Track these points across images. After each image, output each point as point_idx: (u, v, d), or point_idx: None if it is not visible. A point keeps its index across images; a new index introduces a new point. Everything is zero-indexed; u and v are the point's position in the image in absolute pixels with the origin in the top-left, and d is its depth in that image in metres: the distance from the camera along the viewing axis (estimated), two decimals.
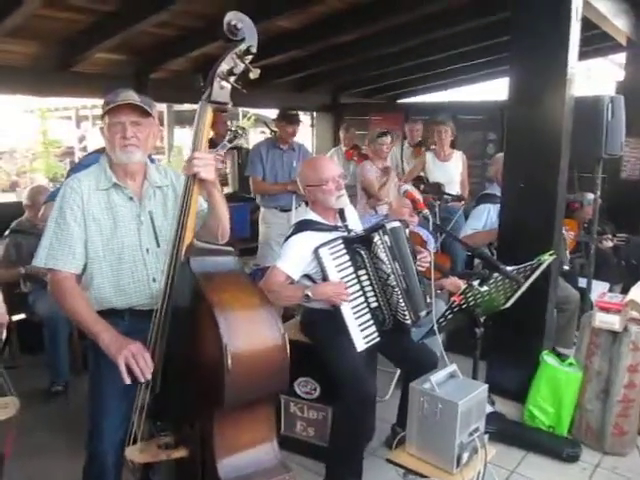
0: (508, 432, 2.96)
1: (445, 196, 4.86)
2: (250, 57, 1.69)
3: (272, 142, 4.55)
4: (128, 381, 1.73)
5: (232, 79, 1.70)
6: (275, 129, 4.63)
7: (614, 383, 2.89)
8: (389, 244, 2.50)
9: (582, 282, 4.09)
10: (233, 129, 4.14)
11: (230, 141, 3.95)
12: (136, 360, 1.73)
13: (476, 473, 2.13)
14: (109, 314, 1.94)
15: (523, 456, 2.90)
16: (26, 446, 2.80)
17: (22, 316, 3.95)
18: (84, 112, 14.43)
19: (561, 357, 3.19)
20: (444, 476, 2.03)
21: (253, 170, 4.46)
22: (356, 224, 2.78)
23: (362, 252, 2.53)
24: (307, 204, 2.80)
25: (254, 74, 1.70)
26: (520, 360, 3.27)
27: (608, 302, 2.92)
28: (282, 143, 4.47)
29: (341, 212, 2.71)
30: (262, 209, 4.59)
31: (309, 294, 2.45)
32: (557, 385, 3.03)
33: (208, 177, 1.76)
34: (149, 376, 1.73)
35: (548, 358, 3.13)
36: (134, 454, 1.76)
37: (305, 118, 7.90)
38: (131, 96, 1.90)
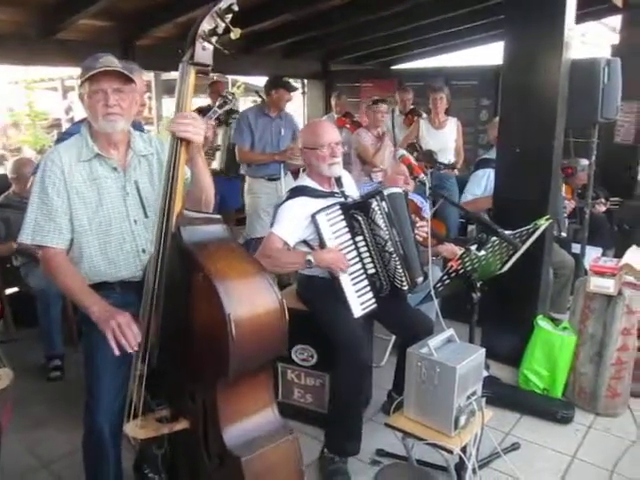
0: (503, 395, 3.00)
1: (438, 164, 4.84)
2: (231, 15, 1.62)
3: (261, 109, 4.44)
4: (117, 352, 1.72)
5: (214, 39, 1.63)
6: (263, 96, 4.55)
7: (608, 346, 2.93)
8: (387, 210, 2.48)
9: (576, 248, 4.11)
10: (222, 94, 4.07)
11: (220, 107, 3.87)
12: (122, 331, 1.71)
13: (473, 435, 2.17)
14: (101, 287, 1.93)
15: (518, 418, 2.95)
16: (24, 418, 2.81)
17: (15, 289, 3.93)
18: (70, 82, 14.09)
19: (555, 322, 3.22)
20: (442, 439, 2.06)
21: (240, 139, 4.36)
22: (353, 191, 2.76)
23: (359, 218, 2.51)
24: (293, 174, 2.72)
25: (235, 34, 1.62)
26: (514, 325, 3.30)
27: (603, 266, 2.93)
28: (273, 110, 4.39)
29: (338, 178, 2.68)
30: (248, 179, 4.51)
31: (311, 259, 2.43)
32: (551, 349, 3.06)
33: (194, 139, 1.69)
34: (136, 347, 1.72)
35: (542, 322, 3.16)
36: (135, 430, 1.75)
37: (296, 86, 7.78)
38: (111, 62, 1.84)
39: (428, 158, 4.81)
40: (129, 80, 1.86)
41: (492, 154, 3.78)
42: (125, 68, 1.87)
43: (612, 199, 4.61)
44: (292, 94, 4.50)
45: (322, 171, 2.59)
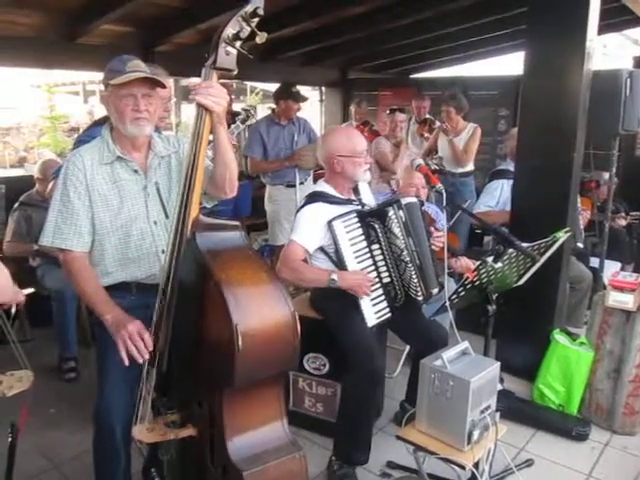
0: (517, 410, 2.95)
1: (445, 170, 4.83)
2: (257, 20, 1.59)
3: (271, 119, 4.46)
4: (126, 362, 1.72)
5: (238, 44, 1.61)
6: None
7: (626, 363, 2.87)
8: (404, 219, 2.46)
9: (594, 262, 4.05)
10: (245, 109, 4.09)
11: (243, 121, 3.90)
12: (133, 341, 1.72)
13: (486, 450, 2.13)
14: (118, 288, 1.94)
15: (532, 434, 2.89)
16: (36, 419, 2.80)
17: (31, 290, 3.95)
18: (91, 87, 14.34)
19: (572, 336, 3.17)
20: (454, 453, 2.02)
21: (250, 150, 4.39)
22: (369, 199, 2.74)
23: (376, 226, 2.50)
24: (314, 179, 2.72)
25: (261, 38, 1.60)
26: (530, 338, 3.26)
27: (622, 281, 2.88)
28: (283, 119, 4.40)
29: (355, 186, 2.67)
30: (268, 187, 4.53)
31: (335, 278, 2.43)
32: (568, 364, 3.01)
33: (214, 108, 1.67)
34: (146, 357, 1.72)
35: (559, 337, 3.11)
36: (142, 433, 1.74)
37: (314, 93, 7.79)
38: (139, 66, 1.86)
39: (437, 162, 4.79)
40: (156, 85, 1.88)
41: (507, 165, 3.74)
42: (152, 73, 1.88)
43: (633, 213, 4.54)
44: (301, 104, 4.49)
45: (357, 177, 2.59)
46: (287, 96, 4.36)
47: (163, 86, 1.90)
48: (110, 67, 1.86)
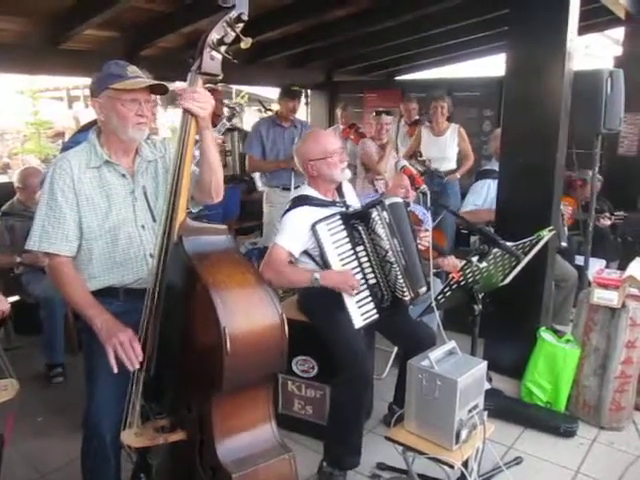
0: (505, 408, 2.97)
1: (433, 172, 4.86)
2: (241, 25, 1.61)
3: (273, 120, 4.50)
4: (116, 370, 1.72)
5: (223, 49, 1.63)
6: (269, 107, 4.59)
7: (612, 359, 2.90)
8: (387, 220, 2.47)
9: (579, 260, 4.09)
10: (231, 106, 4.08)
11: (229, 119, 3.88)
12: (124, 349, 1.71)
13: (475, 449, 2.14)
14: (105, 293, 1.93)
15: (520, 432, 2.92)
16: (23, 428, 2.78)
17: (16, 298, 3.92)
18: (75, 92, 14.21)
19: (558, 334, 3.20)
20: (443, 453, 2.03)
21: (250, 149, 4.43)
22: (354, 200, 2.75)
23: (360, 228, 2.51)
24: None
25: (245, 43, 1.62)
26: (517, 337, 3.28)
27: (606, 278, 2.91)
28: (283, 120, 4.42)
29: (339, 188, 2.68)
30: (266, 189, 4.56)
31: (317, 277, 2.43)
32: (554, 361, 3.03)
33: (199, 113, 1.70)
34: (137, 365, 1.72)
35: (545, 335, 3.13)
36: (130, 438, 1.73)
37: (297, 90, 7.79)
38: (138, 72, 1.88)
39: (421, 165, 4.82)
40: (162, 91, 1.90)
41: (492, 165, 3.78)
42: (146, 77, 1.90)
43: (617, 213, 4.58)
44: (298, 102, 4.51)
45: (335, 177, 2.60)
46: (283, 95, 4.43)
47: (166, 92, 1.90)
48: (108, 71, 1.86)
